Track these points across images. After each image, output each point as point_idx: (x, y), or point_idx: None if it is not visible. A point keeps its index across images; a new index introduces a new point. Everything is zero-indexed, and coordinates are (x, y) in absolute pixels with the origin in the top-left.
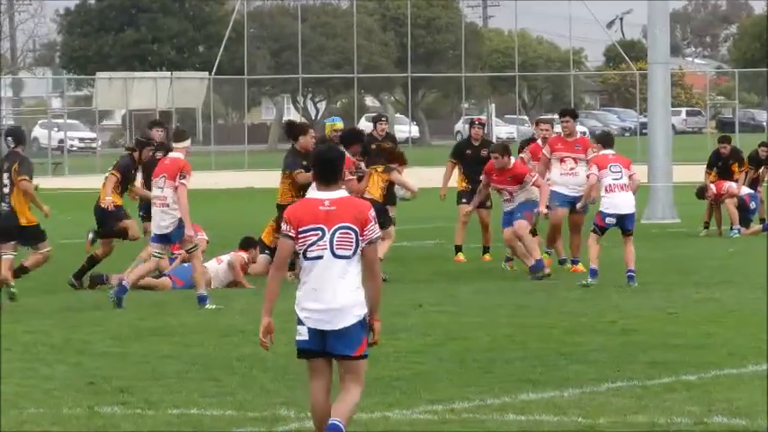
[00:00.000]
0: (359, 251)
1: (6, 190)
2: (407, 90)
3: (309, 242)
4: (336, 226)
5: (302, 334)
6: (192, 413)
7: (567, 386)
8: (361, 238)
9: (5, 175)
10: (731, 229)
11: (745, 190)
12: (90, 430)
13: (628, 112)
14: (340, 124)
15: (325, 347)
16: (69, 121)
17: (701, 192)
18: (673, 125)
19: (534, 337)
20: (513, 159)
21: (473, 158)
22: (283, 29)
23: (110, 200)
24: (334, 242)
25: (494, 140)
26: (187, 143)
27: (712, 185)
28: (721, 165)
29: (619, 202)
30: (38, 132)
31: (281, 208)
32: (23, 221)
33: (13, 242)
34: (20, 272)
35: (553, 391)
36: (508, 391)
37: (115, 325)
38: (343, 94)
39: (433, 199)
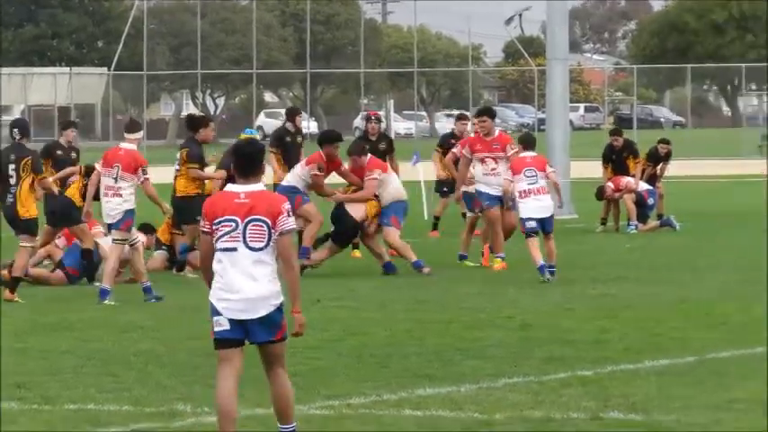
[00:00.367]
0: (272, 243)
1: (13, 181)
2: (306, 86)
3: (223, 232)
4: (249, 218)
5: (222, 324)
6: (89, 408)
7: (463, 381)
8: (273, 231)
9: (11, 167)
10: (628, 224)
11: (644, 186)
12: None
13: (526, 107)
14: (257, 136)
15: (245, 336)
16: None
17: (600, 193)
18: (571, 121)
19: (432, 333)
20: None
21: (371, 153)
22: (183, 25)
23: None
24: (247, 234)
25: (392, 136)
26: (140, 134)
27: (610, 184)
28: (615, 158)
29: (533, 207)
30: None
31: (183, 200)
32: (23, 213)
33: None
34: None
35: (450, 386)
36: (405, 387)
37: (13, 320)
38: (242, 90)
39: None
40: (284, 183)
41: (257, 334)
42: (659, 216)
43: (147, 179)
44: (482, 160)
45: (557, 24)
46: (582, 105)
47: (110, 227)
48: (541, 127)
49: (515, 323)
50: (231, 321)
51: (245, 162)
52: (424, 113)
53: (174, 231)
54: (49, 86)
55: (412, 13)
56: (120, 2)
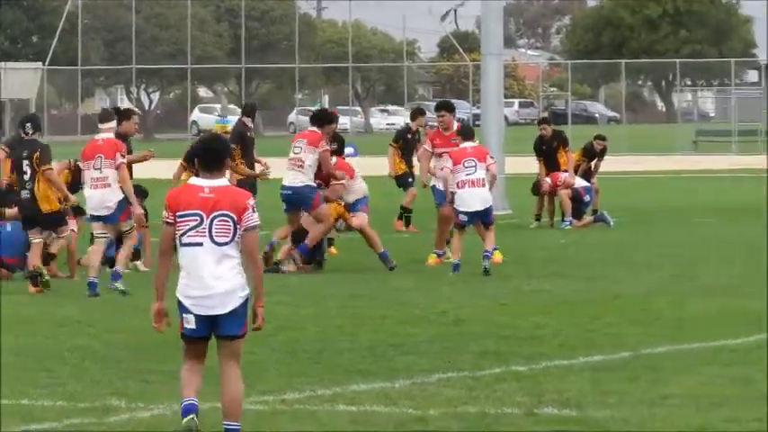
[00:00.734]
0: (237, 238)
1: (27, 177)
2: (241, 81)
3: (188, 227)
4: (215, 213)
5: (190, 322)
6: (22, 403)
7: (397, 377)
8: (238, 226)
9: (25, 163)
10: (563, 220)
11: (581, 182)
12: None
13: (461, 103)
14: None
15: (213, 331)
16: None
17: (537, 188)
18: (505, 116)
19: (365, 328)
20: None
21: None
22: (117, 20)
23: None
24: (213, 229)
25: None
26: (113, 123)
27: (547, 179)
28: (546, 148)
29: (468, 199)
30: None
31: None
32: (46, 208)
33: (38, 228)
34: (49, 259)
35: (384, 381)
36: (339, 382)
37: None
38: (176, 85)
39: (273, 189)
40: (299, 183)
41: (225, 328)
42: (594, 212)
43: (123, 163)
44: (440, 155)
45: (491, 20)
46: (517, 101)
47: (98, 218)
48: (476, 122)
49: (449, 318)
50: (198, 317)
51: (210, 157)
52: (358, 108)
53: None
54: None
55: (346, 8)
56: None
